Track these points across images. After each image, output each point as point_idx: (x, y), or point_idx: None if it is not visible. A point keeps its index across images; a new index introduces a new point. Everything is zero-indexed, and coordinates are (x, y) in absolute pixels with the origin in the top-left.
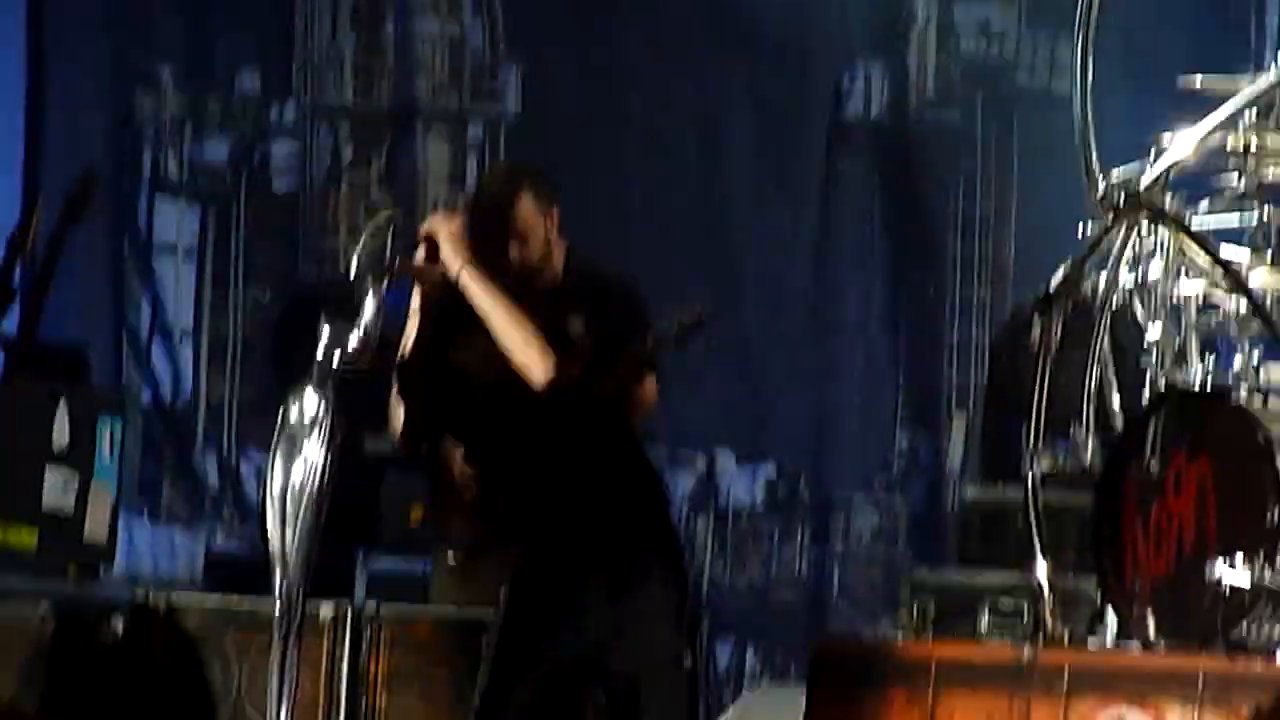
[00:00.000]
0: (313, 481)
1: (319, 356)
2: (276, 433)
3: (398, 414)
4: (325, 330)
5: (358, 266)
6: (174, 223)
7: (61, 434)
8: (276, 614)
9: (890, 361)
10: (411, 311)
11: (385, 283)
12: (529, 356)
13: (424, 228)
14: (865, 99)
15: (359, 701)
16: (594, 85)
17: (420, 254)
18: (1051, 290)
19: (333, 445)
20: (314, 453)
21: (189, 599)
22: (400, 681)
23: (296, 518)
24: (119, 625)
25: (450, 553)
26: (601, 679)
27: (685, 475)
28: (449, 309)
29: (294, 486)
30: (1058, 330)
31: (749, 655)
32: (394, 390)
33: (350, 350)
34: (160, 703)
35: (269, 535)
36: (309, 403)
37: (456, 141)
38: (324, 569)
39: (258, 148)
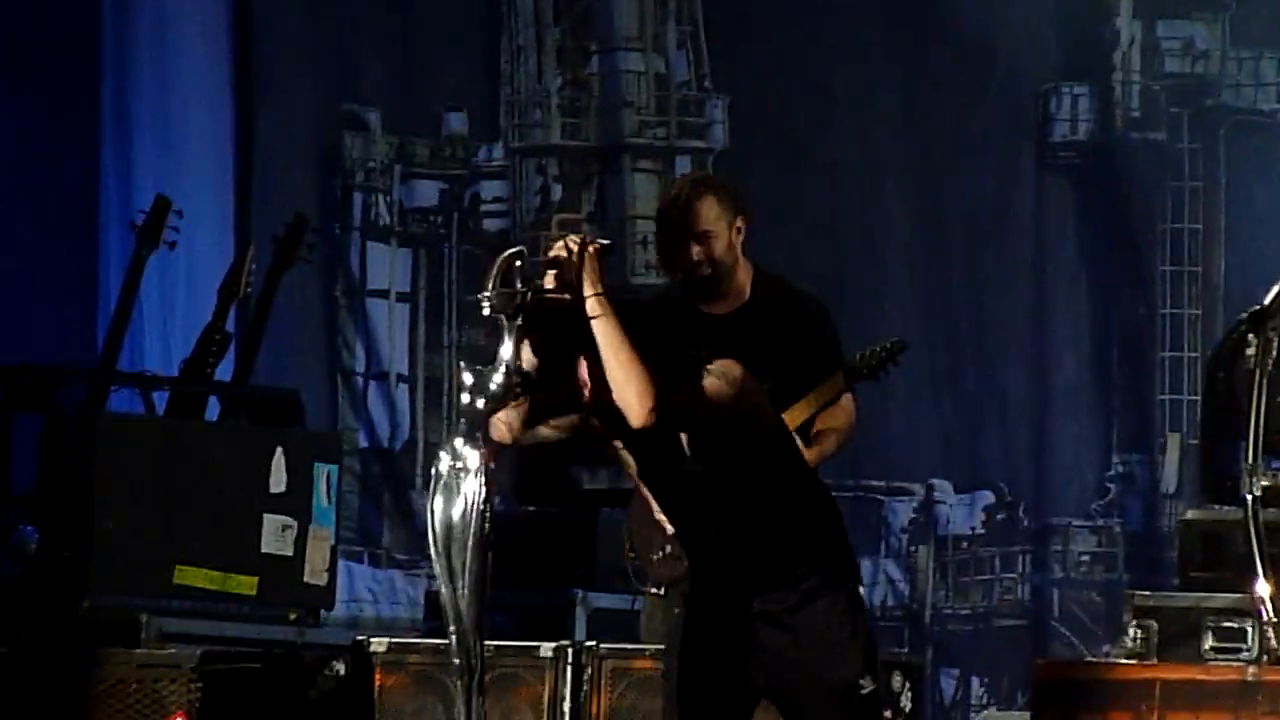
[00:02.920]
0: (474, 529)
1: (464, 401)
2: (432, 485)
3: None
4: (466, 376)
5: (490, 305)
6: (386, 266)
7: (278, 480)
8: (455, 663)
9: (1103, 383)
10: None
11: (519, 317)
12: (627, 397)
13: (552, 251)
14: (1072, 120)
15: None
16: (801, 116)
17: (549, 280)
18: (1263, 308)
19: (490, 491)
20: (472, 500)
21: (410, 642)
22: (621, 718)
23: (463, 567)
24: (340, 668)
25: (653, 589)
26: (778, 707)
27: (904, 506)
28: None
29: (456, 536)
30: (1274, 348)
31: (973, 684)
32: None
33: (494, 391)
34: None
35: (440, 588)
36: (461, 451)
37: (664, 176)
38: (544, 609)
39: (467, 189)
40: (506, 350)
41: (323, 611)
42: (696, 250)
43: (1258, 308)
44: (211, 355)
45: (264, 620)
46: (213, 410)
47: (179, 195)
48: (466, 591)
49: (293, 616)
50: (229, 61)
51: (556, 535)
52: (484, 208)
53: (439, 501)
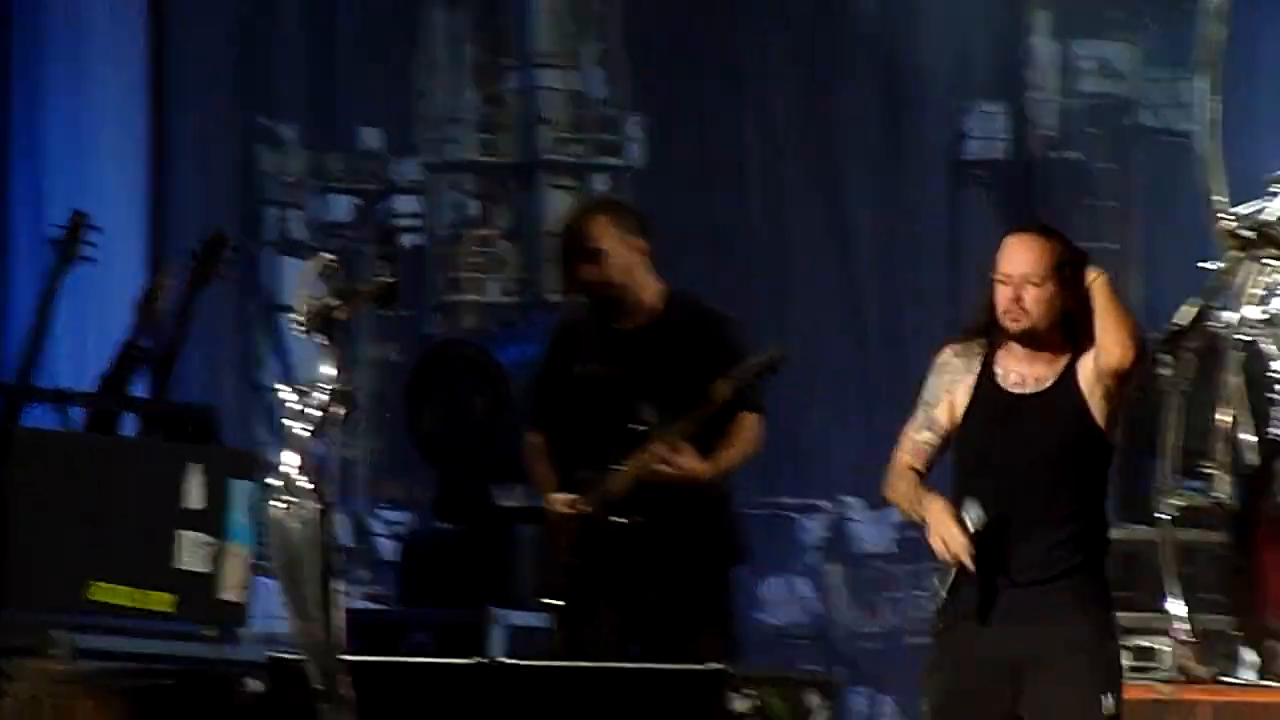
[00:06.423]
0: (314, 553)
1: (286, 423)
2: (263, 511)
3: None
4: (287, 394)
5: (305, 318)
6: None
7: (196, 496)
8: (318, 689)
9: None
10: None
11: (331, 331)
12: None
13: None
14: (986, 139)
15: None
16: (717, 135)
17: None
18: (1179, 328)
19: (326, 504)
20: (309, 523)
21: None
22: None
23: (309, 593)
24: (256, 685)
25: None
26: None
27: (816, 523)
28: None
29: (298, 562)
30: (1191, 368)
31: (886, 702)
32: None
33: (314, 414)
34: None
35: (286, 605)
36: (288, 463)
37: (580, 194)
38: (460, 625)
39: (381, 205)
40: (326, 368)
41: (239, 629)
42: (588, 271)
43: (1175, 327)
44: (129, 372)
45: (181, 637)
46: (130, 426)
47: (90, 208)
48: (315, 616)
49: (210, 633)
50: (144, 75)
51: (473, 553)
52: (399, 223)
53: (278, 531)
